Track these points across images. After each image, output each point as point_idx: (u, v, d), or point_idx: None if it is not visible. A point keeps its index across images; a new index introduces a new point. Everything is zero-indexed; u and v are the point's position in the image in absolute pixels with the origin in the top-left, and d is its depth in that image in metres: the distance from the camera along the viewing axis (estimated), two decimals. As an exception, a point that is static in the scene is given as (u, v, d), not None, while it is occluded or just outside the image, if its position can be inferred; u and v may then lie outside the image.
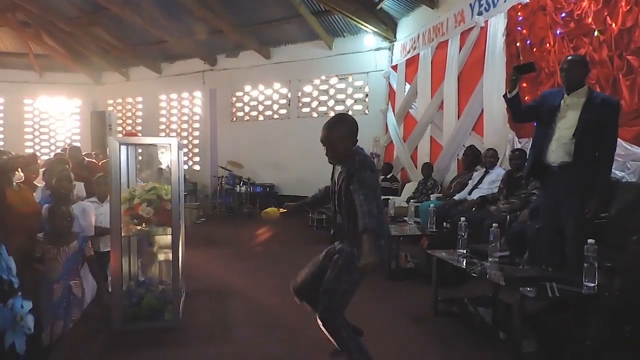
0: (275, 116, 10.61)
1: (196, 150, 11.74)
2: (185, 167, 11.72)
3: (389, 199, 6.49)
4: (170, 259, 3.26)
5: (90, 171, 5.21)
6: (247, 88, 10.87)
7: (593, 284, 2.51)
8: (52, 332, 2.77)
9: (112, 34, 10.72)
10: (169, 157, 3.24)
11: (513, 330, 2.51)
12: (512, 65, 3.68)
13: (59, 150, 8.69)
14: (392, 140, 8.66)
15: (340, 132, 2.35)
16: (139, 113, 12.44)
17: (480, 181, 5.33)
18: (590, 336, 2.57)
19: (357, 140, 2.41)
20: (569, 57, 3.33)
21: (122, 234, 3.10)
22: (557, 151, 3.21)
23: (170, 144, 3.10)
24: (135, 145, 3.59)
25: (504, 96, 3.46)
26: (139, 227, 3.22)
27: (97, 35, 10.83)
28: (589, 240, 2.55)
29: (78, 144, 6.66)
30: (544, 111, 3.34)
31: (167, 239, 3.33)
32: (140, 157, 3.85)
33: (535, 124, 3.68)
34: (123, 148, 3.22)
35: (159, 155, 3.93)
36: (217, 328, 3.20)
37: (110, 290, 3.23)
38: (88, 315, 3.30)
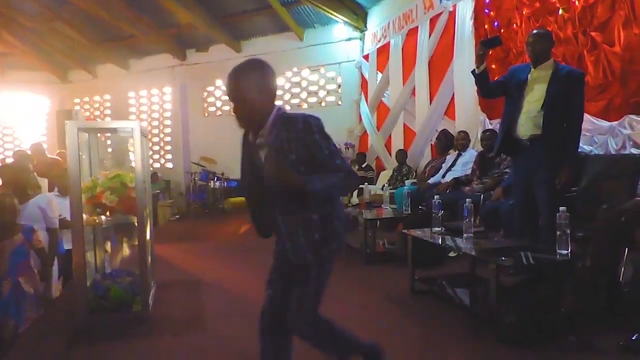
0: (248, 110, 10.45)
1: (168, 147, 11.49)
2: (158, 165, 11.49)
3: (363, 187, 6.44)
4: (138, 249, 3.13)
5: (53, 168, 5.02)
6: (219, 82, 10.68)
7: (566, 251, 2.50)
8: (4, 333, 2.64)
9: (77, 29, 10.37)
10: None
11: (490, 302, 2.48)
12: (479, 40, 3.67)
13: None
14: (365, 130, 8.63)
15: (256, 80, 1.76)
16: (107, 111, 12.12)
17: (453, 164, 5.34)
18: (566, 304, 2.56)
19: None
20: (534, 32, 3.35)
21: (85, 224, 2.96)
22: (527, 124, 3.21)
23: (132, 128, 2.97)
24: (96, 131, 3.43)
25: (472, 72, 3.44)
26: (102, 217, 3.08)
27: (62, 31, 10.46)
28: (561, 208, 2.54)
29: (41, 142, 6.42)
30: (512, 86, 3.33)
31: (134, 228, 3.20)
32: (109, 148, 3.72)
33: (504, 100, 3.68)
34: (83, 134, 3.08)
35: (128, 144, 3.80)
36: (191, 319, 3.09)
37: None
38: (51, 309, 3.17)
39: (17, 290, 2.78)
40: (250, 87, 1.74)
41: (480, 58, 3.29)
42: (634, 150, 3.64)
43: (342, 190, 1.82)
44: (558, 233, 2.53)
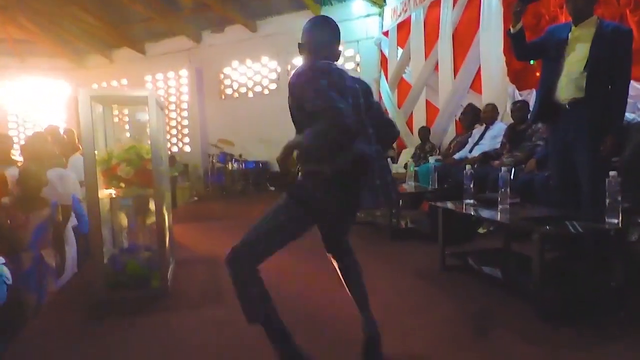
0: (265, 91, 10.30)
1: (186, 131, 11.42)
2: (175, 148, 11.45)
3: (386, 165, 6.25)
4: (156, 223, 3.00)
5: (69, 148, 4.94)
6: (235, 64, 10.52)
7: (617, 220, 2.28)
8: (25, 306, 2.55)
9: (92, 13, 10.28)
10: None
11: (533, 276, 2.29)
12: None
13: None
14: (386, 108, 8.39)
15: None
16: (125, 96, 12.07)
17: (481, 137, 5.10)
18: (615, 279, 2.35)
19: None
20: None
21: (100, 198, 2.84)
22: (568, 87, 2.96)
23: (147, 96, 2.82)
24: (111, 101, 3.30)
25: (507, 32, 3.19)
26: (118, 190, 2.96)
27: (77, 15, 10.39)
28: (611, 173, 2.32)
29: (57, 125, 6.37)
30: (551, 46, 3.07)
31: (152, 202, 3.08)
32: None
33: (542, 63, 3.43)
34: (97, 107, 2.95)
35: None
36: (209, 294, 2.97)
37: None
38: (70, 285, 3.09)
39: (39, 264, 2.69)
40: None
41: (516, 16, 3.03)
42: (682, 117, 3.37)
43: (331, 135, 1.60)
44: (608, 201, 2.31)
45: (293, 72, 1.80)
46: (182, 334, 2.34)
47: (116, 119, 12.07)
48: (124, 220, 3.43)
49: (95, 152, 2.85)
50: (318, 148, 1.69)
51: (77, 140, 4.96)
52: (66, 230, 3.37)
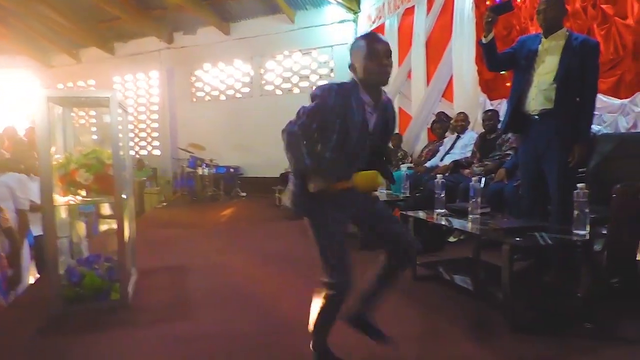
0: (238, 95, 10.17)
1: (155, 134, 11.18)
2: (145, 152, 11.18)
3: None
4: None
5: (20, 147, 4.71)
6: (207, 66, 10.36)
7: (584, 232, 2.29)
8: None
9: (60, 11, 9.94)
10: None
11: (503, 286, 2.27)
12: (487, 8, 3.41)
13: None
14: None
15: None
16: (92, 97, 11.72)
17: (452, 146, 5.12)
18: (582, 290, 2.36)
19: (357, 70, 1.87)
20: None
21: (56, 205, 2.69)
22: (537, 98, 2.98)
23: (108, 98, 2.69)
24: (70, 103, 3.14)
25: (478, 42, 3.20)
26: (77, 197, 2.82)
27: (43, 13, 10.02)
28: (579, 185, 2.32)
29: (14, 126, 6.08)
30: (522, 57, 3.09)
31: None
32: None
33: (513, 73, 3.45)
34: (56, 109, 2.80)
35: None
36: (173, 307, 2.85)
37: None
38: (23, 299, 2.91)
39: None
40: None
41: (488, 26, 3.03)
42: (646, 129, 3.45)
43: (289, 153, 1.82)
44: (576, 212, 2.31)
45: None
46: (142, 351, 2.22)
47: (82, 121, 11.81)
48: (83, 228, 3.27)
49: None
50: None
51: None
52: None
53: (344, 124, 1.82)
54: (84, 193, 2.84)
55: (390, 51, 1.85)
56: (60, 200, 2.75)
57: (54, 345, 2.30)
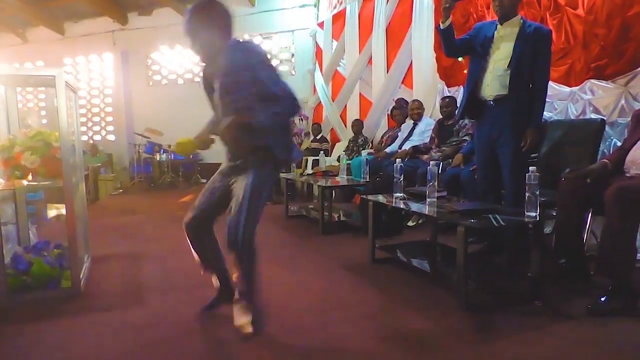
0: (197, 79, 9.90)
1: (109, 118, 10.79)
2: (99, 137, 10.78)
3: (318, 159, 6.23)
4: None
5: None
6: (164, 49, 10.03)
7: (535, 213, 2.37)
8: None
9: (4, -13, 9.36)
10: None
11: (457, 268, 2.33)
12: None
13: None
14: (320, 101, 8.36)
15: (207, 19, 1.92)
16: (41, 79, 11.14)
17: (410, 133, 5.19)
18: (531, 270, 2.45)
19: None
20: None
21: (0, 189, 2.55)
22: (492, 84, 3.05)
23: (54, 76, 2.55)
24: (12, 82, 2.96)
25: (436, 27, 3.24)
26: (23, 181, 2.67)
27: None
28: (531, 168, 2.40)
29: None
30: (478, 43, 3.15)
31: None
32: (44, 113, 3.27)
33: (469, 59, 3.51)
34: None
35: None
36: (127, 294, 2.76)
37: None
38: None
39: None
40: (202, 24, 1.90)
41: (446, 12, 3.07)
42: (594, 116, 3.59)
43: (284, 116, 1.98)
44: (527, 195, 2.39)
45: (240, 45, 1.93)
46: (95, 339, 2.14)
47: (31, 104, 11.22)
48: (30, 214, 3.11)
49: None
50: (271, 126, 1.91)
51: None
52: None
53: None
54: (30, 177, 2.70)
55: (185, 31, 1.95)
56: (8, 185, 2.60)
57: (1, 336, 2.18)
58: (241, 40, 1.95)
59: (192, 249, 2.23)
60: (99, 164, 9.13)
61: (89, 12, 10.07)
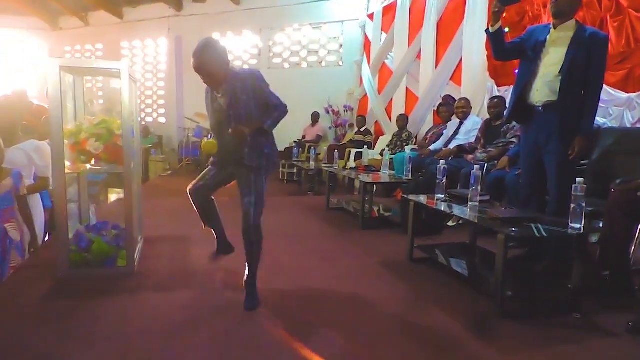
0: (245, 66, 10.09)
1: (161, 102, 11.18)
2: (150, 119, 11.20)
3: (362, 151, 6.28)
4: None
5: (38, 115, 4.76)
6: (216, 36, 10.26)
7: (579, 225, 2.35)
8: None
9: (68, -28, 9.85)
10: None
11: (496, 274, 2.35)
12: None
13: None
14: (366, 93, 8.37)
15: (213, 56, 2.37)
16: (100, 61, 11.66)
17: (456, 132, 5.14)
18: (573, 281, 2.43)
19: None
20: None
21: (67, 172, 2.76)
22: (542, 90, 3.00)
23: (119, 69, 2.73)
24: (82, 72, 3.18)
25: (485, 31, 3.20)
26: (87, 165, 2.89)
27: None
28: (578, 179, 2.37)
29: (24, 89, 6.08)
30: (529, 47, 3.10)
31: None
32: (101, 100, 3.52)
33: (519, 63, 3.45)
34: (67, 77, 2.84)
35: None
36: (177, 275, 2.94)
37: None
38: (31, 261, 3.02)
39: (3, 238, 2.61)
40: (209, 61, 2.37)
41: (495, 16, 3.03)
42: (651, 125, 3.47)
43: (281, 119, 2.54)
44: (572, 206, 2.37)
45: (246, 72, 2.51)
46: (146, 317, 2.32)
47: (89, 85, 11.77)
48: (93, 195, 3.35)
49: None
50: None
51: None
52: (34, 200, 3.27)
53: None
54: (93, 162, 2.91)
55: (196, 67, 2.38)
56: (74, 168, 2.82)
57: (59, 309, 2.39)
58: (239, 70, 2.51)
59: (195, 209, 2.80)
60: (150, 145, 9.53)
61: (147, -2, 10.45)
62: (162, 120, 11.11)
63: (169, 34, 10.64)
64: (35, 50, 11.70)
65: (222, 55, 2.40)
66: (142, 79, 11.20)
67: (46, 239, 3.43)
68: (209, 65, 2.36)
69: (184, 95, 10.67)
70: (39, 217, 3.17)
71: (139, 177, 3.47)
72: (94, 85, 11.50)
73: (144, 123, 10.84)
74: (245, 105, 2.42)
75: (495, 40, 3.15)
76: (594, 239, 3.26)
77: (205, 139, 8.49)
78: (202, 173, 2.81)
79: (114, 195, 3.47)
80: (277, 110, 2.49)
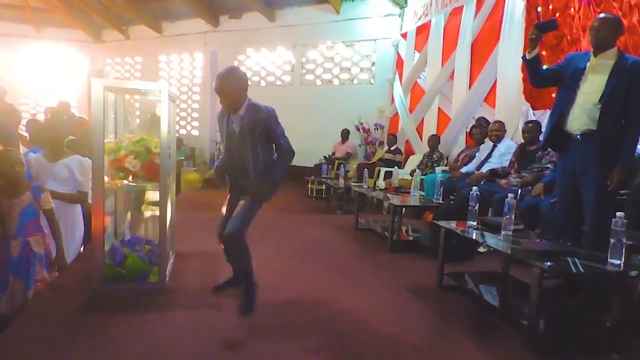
0: (278, 82, 10.26)
1: (195, 114, 11.44)
2: (184, 131, 11.46)
3: (391, 170, 6.25)
4: (158, 217, 3.01)
5: (79, 127, 4.95)
6: (250, 52, 10.48)
7: (619, 262, 2.27)
8: (14, 293, 2.58)
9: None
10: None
11: (530, 309, 2.29)
12: (533, 23, 3.35)
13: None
14: (397, 111, 8.35)
15: (234, 82, 2.55)
16: (137, 74, 12.07)
17: (489, 155, 5.07)
18: (611, 318, 2.34)
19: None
20: (602, 15, 3.02)
21: (106, 187, 2.85)
22: (580, 118, 2.94)
23: (160, 90, 2.82)
24: (123, 92, 3.30)
25: (522, 57, 3.17)
26: (124, 181, 2.97)
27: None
28: (618, 214, 2.30)
29: (67, 101, 6.33)
30: (568, 74, 3.04)
31: (155, 195, 3.09)
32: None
33: (557, 89, 3.39)
34: (109, 94, 2.95)
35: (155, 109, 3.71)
36: (207, 293, 2.97)
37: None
38: (67, 273, 3.11)
39: (26, 251, 2.70)
40: (230, 86, 2.55)
41: (532, 42, 3.00)
42: (695, 155, 3.33)
43: (286, 168, 2.74)
44: (612, 241, 2.30)
45: (262, 107, 2.63)
46: (174, 337, 2.35)
47: (127, 96, 12.17)
48: (127, 210, 3.44)
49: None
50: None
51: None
52: (75, 211, 3.39)
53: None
54: (130, 178, 3.00)
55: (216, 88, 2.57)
56: (111, 184, 2.91)
57: (93, 322, 2.46)
58: (257, 103, 2.64)
59: (220, 245, 2.83)
60: (182, 157, 9.72)
61: (185, 14, 10.75)
62: (195, 132, 11.35)
63: (205, 49, 10.92)
64: (77, 61, 12.17)
65: (242, 83, 2.58)
66: (178, 92, 11.49)
67: (81, 250, 3.54)
68: (228, 88, 2.53)
69: (216, 109, 10.84)
70: (78, 229, 3.28)
71: (173, 192, 3.55)
72: (131, 97, 11.91)
73: (177, 134, 11.09)
74: (252, 138, 2.60)
75: (531, 67, 3.12)
76: (633, 272, 3.14)
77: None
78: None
79: (148, 212, 3.54)
80: (285, 155, 2.68)
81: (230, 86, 2.54)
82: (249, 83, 2.64)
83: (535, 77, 3.19)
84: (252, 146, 2.63)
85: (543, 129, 4.40)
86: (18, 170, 2.70)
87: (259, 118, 2.59)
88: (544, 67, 3.31)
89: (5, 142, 3.18)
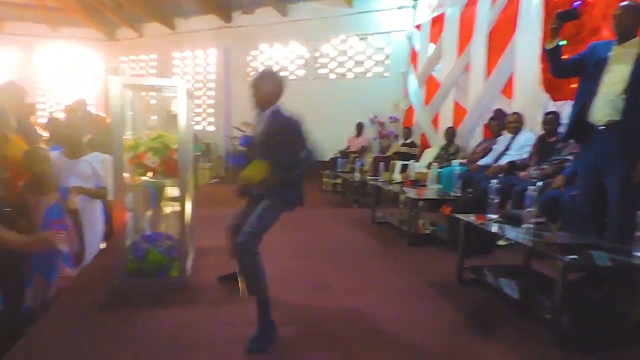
0: (292, 77, 10.23)
1: (210, 110, 11.48)
2: (199, 127, 11.51)
3: (407, 164, 6.22)
4: (178, 212, 3.04)
5: (97, 124, 5.01)
6: (263, 47, 10.48)
7: (645, 254, 2.23)
8: (37, 288, 2.63)
9: (124, -15, 10.31)
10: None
11: (553, 304, 2.26)
12: (555, 12, 3.29)
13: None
14: (412, 104, 8.29)
15: (269, 83, 2.54)
16: (152, 71, 12.13)
17: (507, 147, 5.00)
18: (635, 311, 2.31)
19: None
20: (624, 3, 2.95)
21: (126, 184, 2.88)
22: (604, 108, 2.87)
23: (177, 87, 2.83)
24: (141, 89, 3.33)
25: (543, 48, 3.11)
26: (143, 178, 3.00)
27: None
28: (643, 205, 2.25)
29: (84, 98, 6.40)
30: (591, 64, 2.98)
31: (175, 191, 3.12)
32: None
33: (579, 79, 3.32)
34: (127, 92, 2.97)
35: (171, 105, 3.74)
36: (226, 290, 2.99)
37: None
38: (90, 268, 3.16)
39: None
40: (262, 84, 2.54)
41: (553, 32, 2.95)
42: None
43: (303, 170, 2.64)
44: (638, 233, 2.25)
45: (284, 114, 2.54)
46: (197, 331, 2.37)
47: (142, 93, 12.28)
48: (147, 206, 3.48)
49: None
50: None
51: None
52: (96, 207, 3.45)
53: None
54: (150, 174, 3.02)
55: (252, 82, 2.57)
56: (131, 180, 2.95)
57: (116, 317, 2.50)
58: (285, 111, 2.56)
59: (228, 241, 2.68)
60: (198, 153, 9.79)
61: (198, 10, 10.77)
62: (211, 128, 11.40)
63: (218, 45, 10.94)
64: (93, 60, 12.29)
65: (274, 86, 2.56)
66: (192, 88, 11.54)
67: (102, 246, 3.59)
68: (260, 84, 2.55)
69: (231, 104, 10.91)
70: (99, 226, 3.33)
71: (191, 187, 3.57)
72: (147, 94, 12.00)
73: (192, 130, 11.15)
74: (271, 142, 2.52)
75: (552, 57, 3.06)
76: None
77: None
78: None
79: (168, 208, 3.57)
80: (301, 164, 2.58)
81: (262, 84, 2.55)
82: (283, 89, 2.57)
83: (556, 67, 3.13)
84: (270, 149, 2.55)
85: (563, 120, 4.34)
86: (46, 168, 2.74)
87: (280, 125, 2.53)
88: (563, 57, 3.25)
89: (30, 142, 3.24)
